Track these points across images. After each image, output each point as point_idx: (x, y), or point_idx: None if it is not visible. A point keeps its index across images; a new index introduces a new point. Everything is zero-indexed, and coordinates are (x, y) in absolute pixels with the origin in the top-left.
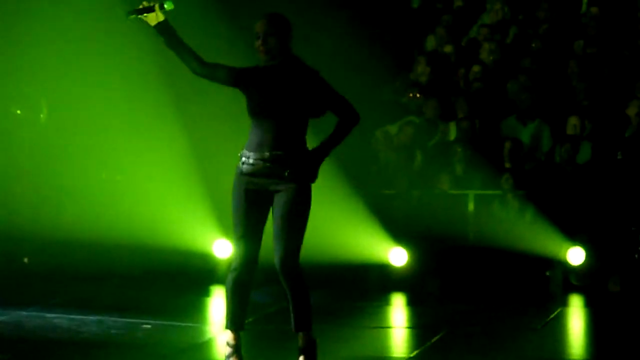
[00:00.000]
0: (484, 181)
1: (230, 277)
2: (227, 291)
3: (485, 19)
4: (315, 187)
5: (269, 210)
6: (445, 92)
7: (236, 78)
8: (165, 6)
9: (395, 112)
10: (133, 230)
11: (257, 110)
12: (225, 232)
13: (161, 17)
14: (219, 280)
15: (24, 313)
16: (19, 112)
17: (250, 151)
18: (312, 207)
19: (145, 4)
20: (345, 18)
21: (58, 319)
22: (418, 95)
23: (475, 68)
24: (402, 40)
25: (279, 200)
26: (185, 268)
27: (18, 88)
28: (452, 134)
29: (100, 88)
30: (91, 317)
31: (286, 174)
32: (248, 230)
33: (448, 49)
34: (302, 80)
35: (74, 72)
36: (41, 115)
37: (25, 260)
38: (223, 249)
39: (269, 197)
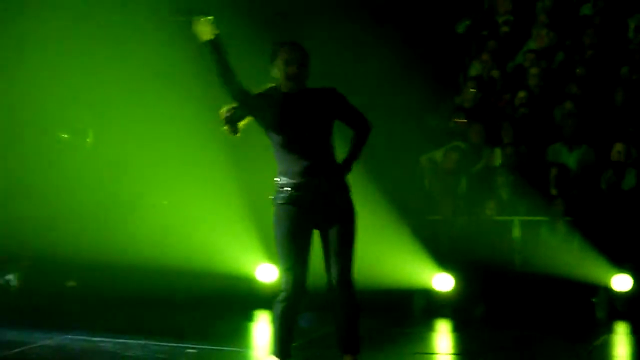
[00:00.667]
0: (530, 207)
1: (278, 308)
2: (275, 321)
3: (531, 45)
4: (361, 213)
5: (312, 235)
6: (490, 117)
7: (264, 104)
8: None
9: (441, 137)
10: (177, 254)
11: (291, 141)
12: (269, 256)
13: (215, 31)
14: (263, 305)
15: (69, 336)
16: (65, 136)
17: (293, 179)
18: (358, 233)
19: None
20: (391, 44)
21: (103, 342)
22: (463, 120)
23: (521, 94)
24: (447, 66)
25: (331, 221)
26: (229, 292)
27: (65, 112)
28: (498, 159)
29: (146, 113)
30: (136, 341)
31: (336, 195)
32: (297, 261)
33: (494, 74)
34: (325, 101)
35: (120, 97)
36: (87, 140)
37: (70, 283)
38: (267, 273)
39: (315, 222)
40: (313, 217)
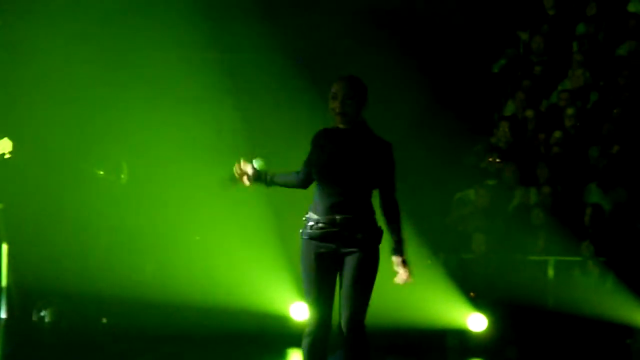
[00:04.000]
0: (565, 247)
1: (305, 342)
2: (303, 356)
3: (566, 85)
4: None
5: (337, 272)
6: (525, 156)
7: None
8: (256, 165)
9: (475, 176)
10: (210, 292)
11: (327, 174)
12: (303, 295)
13: (249, 181)
14: (296, 343)
15: None
16: (101, 172)
17: (318, 215)
18: (390, 271)
19: (236, 171)
20: (426, 83)
21: None
22: (498, 159)
23: (557, 134)
24: (482, 105)
25: (349, 263)
26: (262, 331)
27: (101, 150)
28: (533, 198)
29: (178, 150)
30: None
31: (358, 236)
32: (320, 295)
33: (528, 113)
34: (374, 149)
35: (154, 134)
36: (122, 176)
37: (104, 320)
38: (300, 311)
39: (338, 260)
40: (335, 254)
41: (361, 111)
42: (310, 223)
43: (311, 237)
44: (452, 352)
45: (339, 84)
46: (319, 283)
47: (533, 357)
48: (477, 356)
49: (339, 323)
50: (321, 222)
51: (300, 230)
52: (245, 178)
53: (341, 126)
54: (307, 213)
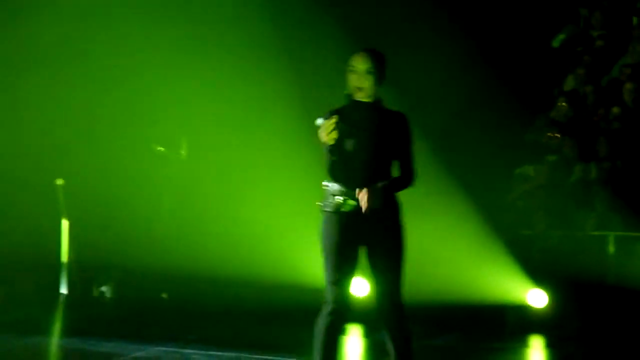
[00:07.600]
0: (625, 222)
1: (324, 321)
2: (319, 335)
3: (627, 59)
4: (454, 228)
5: (360, 249)
6: (585, 131)
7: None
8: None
9: (535, 152)
10: (269, 268)
11: (349, 146)
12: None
13: (335, 136)
14: (355, 319)
15: (162, 349)
16: (162, 149)
17: (341, 187)
18: (451, 248)
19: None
20: (486, 58)
21: (196, 355)
22: (558, 135)
23: (615, 109)
24: (542, 81)
25: (380, 237)
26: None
27: (162, 126)
28: (593, 173)
29: (239, 127)
30: (228, 354)
31: (382, 210)
32: (343, 274)
33: (588, 88)
34: (392, 121)
35: (214, 111)
36: (181, 152)
37: (164, 295)
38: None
39: (363, 235)
40: (360, 229)
41: (379, 85)
42: (334, 196)
43: (335, 211)
44: (511, 328)
45: (359, 57)
46: (341, 262)
47: (594, 333)
48: (537, 332)
49: (377, 304)
50: (346, 195)
51: (321, 203)
52: (329, 135)
53: (359, 100)
54: (326, 182)
